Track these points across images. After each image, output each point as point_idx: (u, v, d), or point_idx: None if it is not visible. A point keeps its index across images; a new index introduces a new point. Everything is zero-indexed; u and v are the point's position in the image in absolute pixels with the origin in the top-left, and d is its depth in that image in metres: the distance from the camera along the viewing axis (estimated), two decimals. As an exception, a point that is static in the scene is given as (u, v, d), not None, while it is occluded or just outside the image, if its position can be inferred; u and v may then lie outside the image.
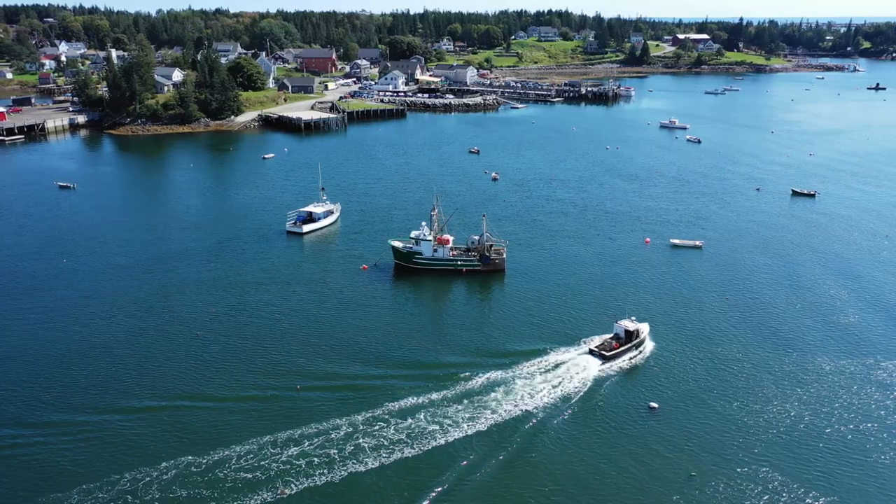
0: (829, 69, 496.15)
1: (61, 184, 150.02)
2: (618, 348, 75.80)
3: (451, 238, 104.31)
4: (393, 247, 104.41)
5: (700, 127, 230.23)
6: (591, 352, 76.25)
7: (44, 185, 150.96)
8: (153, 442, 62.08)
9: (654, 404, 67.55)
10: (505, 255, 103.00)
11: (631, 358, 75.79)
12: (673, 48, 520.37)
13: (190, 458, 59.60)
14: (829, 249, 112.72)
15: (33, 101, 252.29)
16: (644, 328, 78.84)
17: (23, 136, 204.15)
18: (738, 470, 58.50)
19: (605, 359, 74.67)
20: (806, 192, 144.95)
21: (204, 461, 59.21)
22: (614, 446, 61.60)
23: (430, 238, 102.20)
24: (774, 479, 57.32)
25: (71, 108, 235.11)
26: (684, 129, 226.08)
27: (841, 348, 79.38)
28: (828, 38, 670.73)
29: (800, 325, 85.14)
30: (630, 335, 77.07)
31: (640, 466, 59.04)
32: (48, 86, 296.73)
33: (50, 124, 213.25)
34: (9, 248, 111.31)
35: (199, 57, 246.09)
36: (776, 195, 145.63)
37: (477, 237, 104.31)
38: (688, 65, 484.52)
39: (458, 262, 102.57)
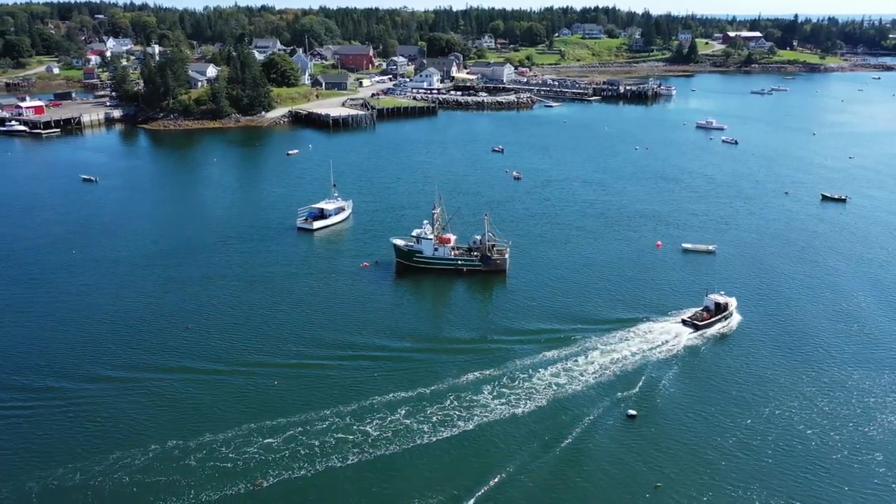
0: (889, 69, 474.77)
1: (85, 177, 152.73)
2: (708, 319, 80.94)
3: (452, 237, 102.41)
4: (394, 245, 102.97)
5: (739, 128, 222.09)
6: (683, 322, 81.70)
7: (70, 178, 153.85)
8: (136, 425, 63.02)
9: (632, 412, 64.76)
10: (507, 256, 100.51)
11: (720, 329, 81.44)
12: (723, 46, 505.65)
13: (173, 442, 60.22)
14: (850, 257, 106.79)
15: (74, 95, 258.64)
16: (732, 302, 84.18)
17: (59, 130, 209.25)
18: (706, 486, 55.24)
19: (696, 328, 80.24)
20: (837, 196, 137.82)
21: (186, 446, 59.62)
22: (586, 452, 59.49)
23: (432, 237, 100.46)
24: (749, 498, 53.61)
25: (108, 103, 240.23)
26: (721, 129, 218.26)
27: (856, 362, 74.26)
28: (891, 35, 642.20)
29: (807, 336, 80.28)
30: (719, 307, 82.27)
31: (608, 471, 57.25)
32: (92, 81, 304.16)
33: (86, 118, 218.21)
34: (23, 240, 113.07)
35: (232, 52, 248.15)
36: (805, 199, 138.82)
37: (479, 237, 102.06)
38: (737, 63, 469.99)
39: (459, 262, 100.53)
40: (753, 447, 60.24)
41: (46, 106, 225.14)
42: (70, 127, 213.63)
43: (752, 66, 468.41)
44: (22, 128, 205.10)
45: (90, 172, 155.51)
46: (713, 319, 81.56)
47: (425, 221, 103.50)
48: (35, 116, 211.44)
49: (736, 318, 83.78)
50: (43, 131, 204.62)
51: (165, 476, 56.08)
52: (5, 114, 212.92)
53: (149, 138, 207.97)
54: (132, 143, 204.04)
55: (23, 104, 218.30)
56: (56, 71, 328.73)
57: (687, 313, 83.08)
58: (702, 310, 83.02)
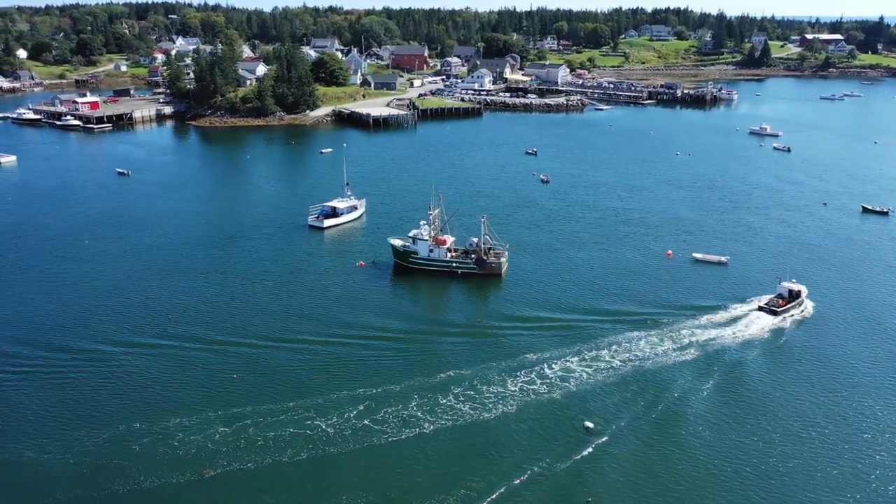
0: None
1: (119, 170, 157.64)
2: (784, 306, 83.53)
3: (449, 239, 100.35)
4: (392, 245, 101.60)
5: (797, 134, 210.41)
6: (760, 308, 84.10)
7: (107, 172, 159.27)
8: (100, 408, 64.35)
9: (589, 424, 61.35)
10: (504, 260, 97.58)
11: (797, 314, 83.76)
12: (798, 49, 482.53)
13: (137, 425, 61.20)
14: (878, 273, 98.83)
15: (132, 92, 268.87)
16: (804, 289, 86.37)
17: (110, 125, 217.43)
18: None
19: (776, 314, 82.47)
20: (878, 209, 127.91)
21: (148, 430, 60.72)
22: (531, 462, 56.74)
23: (427, 238, 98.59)
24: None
25: (161, 100, 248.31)
26: (776, 136, 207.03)
27: (876, 389, 68.22)
28: None
29: (813, 358, 74.11)
30: (793, 294, 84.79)
31: (543, 483, 54.72)
32: (156, 78, 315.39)
33: (137, 114, 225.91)
34: (45, 229, 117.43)
35: (281, 51, 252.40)
36: (844, 211, 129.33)
37: (475, 239, 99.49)
38: (813, 67, 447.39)
39: (454, 264, 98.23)
40: (709, 469, 55.82)
41: (103, 102, 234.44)
42: (122, 122, 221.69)
43: (830, 70, 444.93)
44: (76, 122, 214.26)
45: (126, 166, 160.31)
46: (789, 305, 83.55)
47: (423, 222, 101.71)
48: (90, 112, 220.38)
49: (809, 305, 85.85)
50: (95, 126, 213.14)
51: (118, 459, 56.72)
52: (63, 109, 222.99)
53: (195, 134, 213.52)
54: (176, 139, 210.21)
55: (79, 100, 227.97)
56: (123, 69, 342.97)
57: (762, 300, 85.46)
58: (776, 297, 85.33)
